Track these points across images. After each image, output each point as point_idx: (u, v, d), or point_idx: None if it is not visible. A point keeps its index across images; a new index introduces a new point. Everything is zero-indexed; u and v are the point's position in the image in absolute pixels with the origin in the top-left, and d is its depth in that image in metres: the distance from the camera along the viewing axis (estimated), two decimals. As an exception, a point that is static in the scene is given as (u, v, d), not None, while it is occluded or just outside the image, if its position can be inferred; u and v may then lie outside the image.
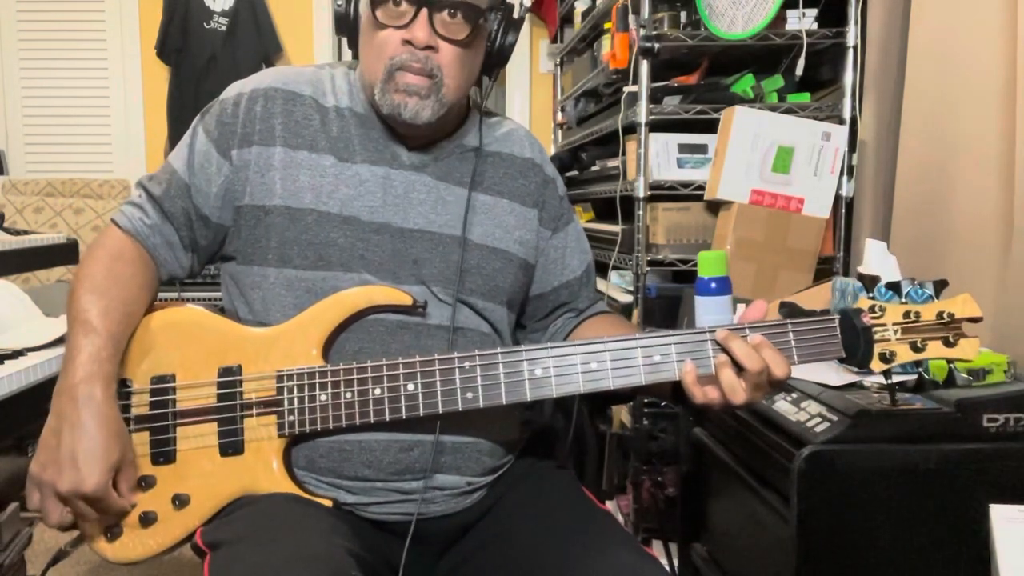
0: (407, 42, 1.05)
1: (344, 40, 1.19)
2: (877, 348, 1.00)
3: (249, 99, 1.13)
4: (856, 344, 0.99)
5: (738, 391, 0.97)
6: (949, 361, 1.03)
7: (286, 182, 1.09)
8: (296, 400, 1.03)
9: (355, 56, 1.15)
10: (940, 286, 1.03)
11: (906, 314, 1.00)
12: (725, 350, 0.98)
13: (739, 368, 0.97)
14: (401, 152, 1.14)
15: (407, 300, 1.08)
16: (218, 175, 1.12)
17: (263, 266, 1.10)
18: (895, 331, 1.00)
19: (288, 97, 1.12)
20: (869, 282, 1.03)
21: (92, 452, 0.95)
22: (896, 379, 1.40)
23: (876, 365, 1.00)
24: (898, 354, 1.00)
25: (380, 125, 1.14)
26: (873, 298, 1.01)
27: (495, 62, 1.16)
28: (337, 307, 1.07)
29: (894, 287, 1.02)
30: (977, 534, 1.21)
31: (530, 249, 1.21)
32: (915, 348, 1.01)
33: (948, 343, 1.01)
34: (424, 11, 1.04)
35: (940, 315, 1.00)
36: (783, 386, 1.02)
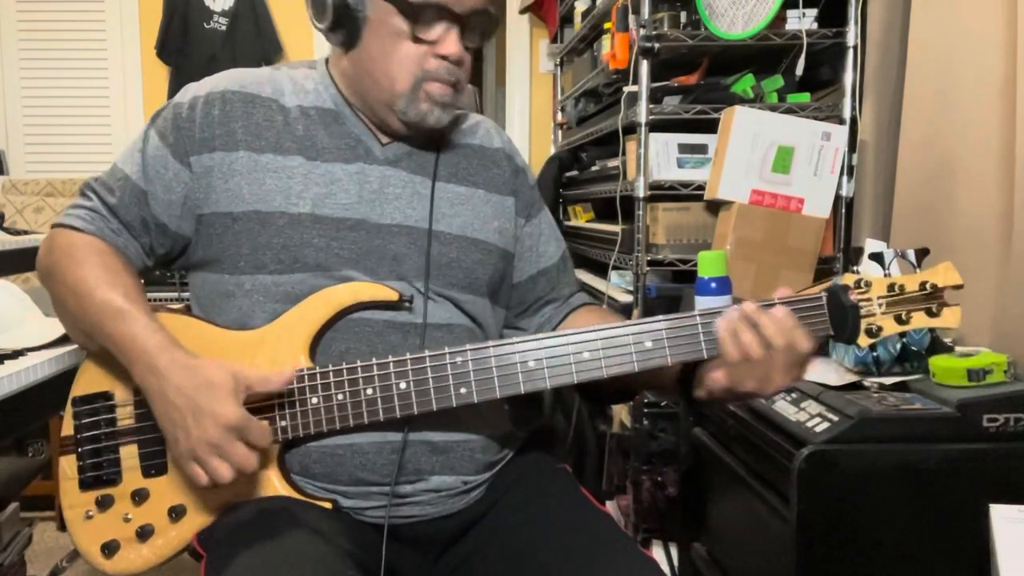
0: (441, 56, 1.06)
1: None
2: (863, 323, 1.00)
3: (206, 103, 1.10)
4: (844, 321, 0.99)
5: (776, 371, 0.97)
6: (932, 330, 1.03)
7: (252, 187, 1.07)
8: (287, 404, 1.02)
9: (348, 48, 1.11)
10: (921, 255, 1.04)
11: (890, 287, 1.00)
12: (755, 324, 0.97)
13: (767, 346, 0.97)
14: (374, 147, 1.13)
15: (393, 296, 1.06)
16: (176, 182, 1.09)
17: (236, 274, 1.08)
18: (880, 304, 1.00)
19: (247, 99, 1.10)
20: (854, 255, 1.03)
21: (209, 392, 0.95)
22: (890, 380, 1.41)
23: (863, 340, 1.00)
24: (884, 327, 1.00)
25: (353, 119, 1.13)
26: (857, 272, 1.01)
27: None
28: (322, 306, 1.05)
29: (877, 258, 1.03)
30: (977, 534, 1.21)
31: (509, 238, 1.20)
32: (900, 320, 1.01)
33: (931, 313, 1.01)
34: (457, 27, 1.06)
35: (923, 285, 1.00)
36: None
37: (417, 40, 1.05)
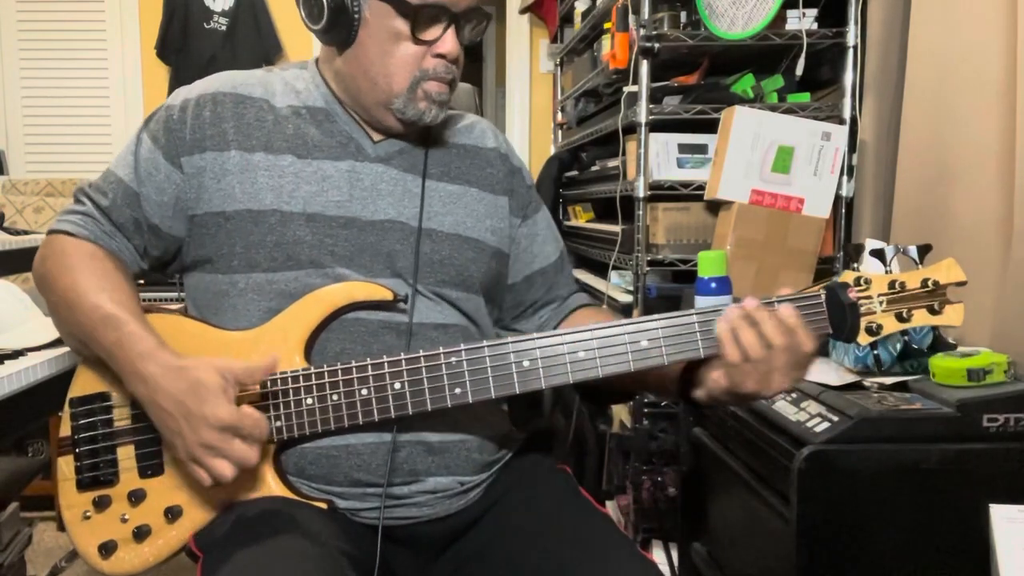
0: (439, 55, 1.07)
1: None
2: (863, 321, 0.98)
3: (197, 104, 1.11)
4: (843, 320, 0.98)
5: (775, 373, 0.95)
6: (934, 328, 1.01)
7: (244, 185, 1.08)
8: (282, 405, 1.02)
9: (343, 48, 1.11)
10: (923, 251, 1.01)
11: (891, 284, 0.98)
12: (755, 323, 0.96)
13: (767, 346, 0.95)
14: (366, 145, 1.13)
15: (387, 295, 1.06)
16: (168, 183, 1.09)
17: (229, 273, 1.08)
18: (880, 302, 0.98)
19: (237, 100, 1.11)
20: (854, 251, 1.01)
21: (198, 395, 0.94)
22: (891, 380, 1.41)
23: (863, 339, 0.99)
24: (884, 326, 0.98)
25: (344, 117, 1.13)
26: (857, 270, 1.00)
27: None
28: (317, 306, 1.05)
29: (878, 254, 1.01)
30: (977, 534, 1.21)
31: (503, 238, 1.20)
32: (901, 318, 0.99)
33: (933, 311, 0.99)
34: (454, 26, 1.07)
35: (925, 283, 0.98)
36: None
37: (418, 41, 1.06)
